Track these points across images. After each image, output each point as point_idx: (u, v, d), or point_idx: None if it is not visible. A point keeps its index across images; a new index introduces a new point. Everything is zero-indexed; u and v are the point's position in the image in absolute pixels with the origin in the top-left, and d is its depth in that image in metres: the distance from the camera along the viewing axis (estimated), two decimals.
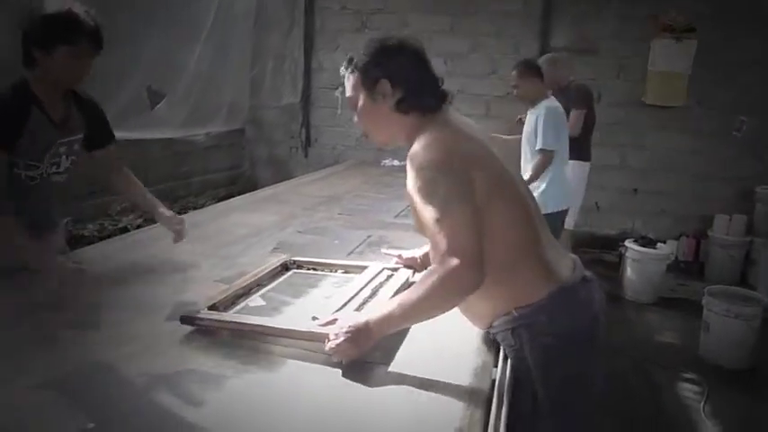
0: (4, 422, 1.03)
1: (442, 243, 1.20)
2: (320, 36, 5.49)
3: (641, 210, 5.02)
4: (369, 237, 2.40)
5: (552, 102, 3.30)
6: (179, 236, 1.94)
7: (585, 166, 4.05)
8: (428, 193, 1.25)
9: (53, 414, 1.07)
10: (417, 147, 1.30)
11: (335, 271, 1.86)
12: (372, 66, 1.37)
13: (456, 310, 1.33)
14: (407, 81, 1.36)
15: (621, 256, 4.53)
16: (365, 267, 1.80)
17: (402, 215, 2.88)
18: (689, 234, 4.87)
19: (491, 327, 1.40)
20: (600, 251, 4.90)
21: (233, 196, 3.75)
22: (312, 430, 1.05)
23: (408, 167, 1.30)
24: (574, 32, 4.87)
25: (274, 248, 2.11)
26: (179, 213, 3.00)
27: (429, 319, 1.27)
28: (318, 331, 1.30)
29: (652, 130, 4.87)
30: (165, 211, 1.96)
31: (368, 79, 1.37)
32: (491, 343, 1.42)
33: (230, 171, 5.67)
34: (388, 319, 1.26)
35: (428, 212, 1.24)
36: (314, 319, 1.37)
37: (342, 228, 2.57)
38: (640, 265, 4.28)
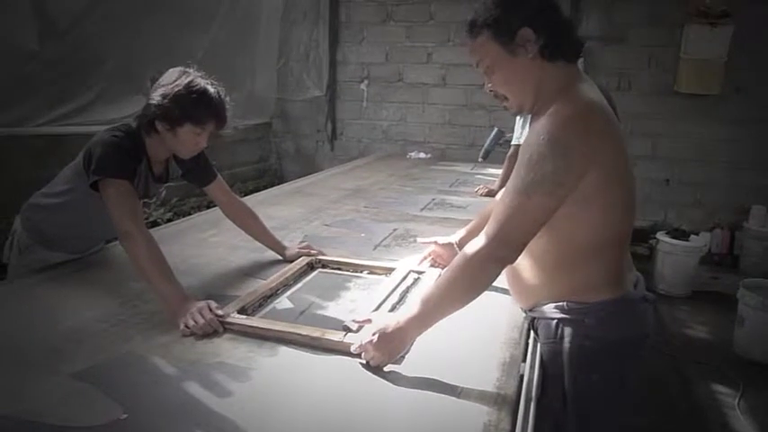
0: (42, 408, 1.06)
1: (499, 215, 1.19)
2: (345, 29, 5.48)
3: (673, 201, 4.91)
4: (395, 230, 2.40)
5: None
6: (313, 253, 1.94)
7: None
8: (532, 162, 1.16)
9: (89, 402, 1.10)
10: (550, 120, 1.17)
11: (361, 271, 1.86)
12: (507, 17, 1.22)
13: (494, 288, 1.30)
14: (548, 25, 1.22)
15: (653, 249, 4.44)
16: (391, 269, 1.80)
17: (428, 208, 2.87)
18: (723, 226, 4.75)
19: (532, 309, 1.38)
20: (631, 243, 4.81)
21: (260, 189, 3.79)
22: (335, 423, 1.06)
23: (537, 126, 1.20)
24: (603, 21, 4.76)
25: (301, 241, 2.13)
26: (207, 207, 3.04)
27: (458, 307, 1.23)
28: (349, 342, 1.29)
29: (684, 119, 4.74)
30: (289, 249, 1.95)
31: (504, 32, 1.22)
32: (519, 337, 1.41)
33: (258, 164, 5.72)
34: (415, 321, 1.24)
35: (516, 177, 1.19)
36: (345, 329, 1.36)
37: (368, 221, 2.57)
38: (673, 257, 4.19)
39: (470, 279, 1.22)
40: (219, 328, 1.39)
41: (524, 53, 1.22)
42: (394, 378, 1.21)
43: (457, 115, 5.29)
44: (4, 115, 2.95)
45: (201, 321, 1.37)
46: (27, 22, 3.01)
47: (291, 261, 1.87)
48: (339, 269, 1.88)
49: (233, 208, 1.98)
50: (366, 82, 5.51)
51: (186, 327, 1.37)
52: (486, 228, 1.22)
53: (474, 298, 1.22)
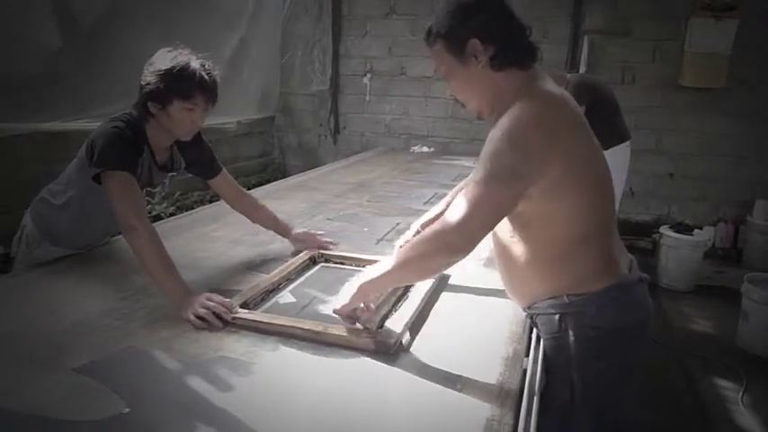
0: (45, 403, 1.06)
1: (459, 205, 1.21)
2: (348, 22, 5.46)
3: (677, 195, 4.89)
4: (398, 224, 2.39)
5: None
6: (325, 247, 1.94)
7: (618, 150, 3.92)
8: (490, 156, 1.21)
9: (92, 397, 1.10)
10: (508, 118, 1.22)
11: (364, 266, 1.85)
12: (457, 28, 1.27)
13: (496, 284, 1.31)
14: (497, 35, 1.26)
15: (656, 243, 4.43)
16: None
17: (431, 202, 2.86)
18: (727, 220, 4.73)
19: (530, 307, 1.38)
20: (634, 238, 4.81)
21: (263, 184, 3.78)
22: (337, 417, 1.06)
23: (499, 124, 1.24)
24: (607, 14, 4.73)
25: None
26: (210, 201, 3.03)
27: (417, 277, 1.37)
28: (350, 336, 1.30)
29: (689, 112, 4.72)
30: (298, 233, 1.97)
31: (455, 43, 1.27)
32: (522, 332, 1.41)
33: (261, 158, 5.72)
34: (381, 279, 1.33)
35: (477, 170, 1.23)
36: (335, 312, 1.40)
37: (371, 215, 2.57)
38: (676, 251, 4.18)
39: (421, 263, 1.28)
40: (228, 316, 1.39)
41: (475, 63, 1.27)
42: (396, 373, 1.21)
43: (459, 109, 5.23)
44: (22, 111, 2.92)
45: (203, 312, 1.37)
46: (50, 18, 2.97)
47: (302, 247, 1.91)
48: (341, 264, 1.88)
49: (240, 201, 1.99)
50: (369, 76, 5.49)
51: (196, 317, 1.37)
52: (445, 215, 1.26)
53: (424, 279, 1.34)
